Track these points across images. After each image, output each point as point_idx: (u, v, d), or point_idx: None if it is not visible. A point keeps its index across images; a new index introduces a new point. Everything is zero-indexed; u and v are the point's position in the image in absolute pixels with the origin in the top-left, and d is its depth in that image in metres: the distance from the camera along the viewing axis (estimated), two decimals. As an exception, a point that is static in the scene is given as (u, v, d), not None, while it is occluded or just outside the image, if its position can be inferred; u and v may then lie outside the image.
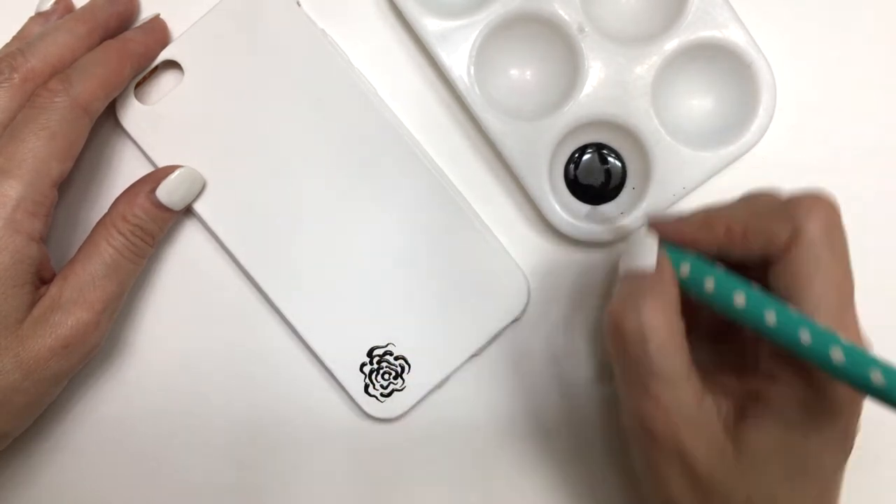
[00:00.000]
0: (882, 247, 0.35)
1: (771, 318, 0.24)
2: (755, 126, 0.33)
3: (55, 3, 0.33)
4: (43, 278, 0.30)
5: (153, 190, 0.31)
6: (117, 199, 0.31)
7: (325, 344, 0.33)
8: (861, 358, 0.22)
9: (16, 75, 0.29)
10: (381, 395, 0.33)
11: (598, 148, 0.34)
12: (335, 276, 0.33)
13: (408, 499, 0.34)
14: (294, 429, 0.34)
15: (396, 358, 0.33)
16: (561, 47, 0.33)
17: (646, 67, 0.33)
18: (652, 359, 0.25)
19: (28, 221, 0.28)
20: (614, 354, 0.27)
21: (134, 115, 0.33)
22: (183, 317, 0.35)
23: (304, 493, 0.34)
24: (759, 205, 0.27)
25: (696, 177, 0.33)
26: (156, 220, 0.31)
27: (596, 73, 0.33)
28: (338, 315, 0.33)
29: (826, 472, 0.25)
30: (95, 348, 0.30)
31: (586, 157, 0.34)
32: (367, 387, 0.33)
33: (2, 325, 0.28)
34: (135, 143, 0.33)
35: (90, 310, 0.29)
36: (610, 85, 0.33)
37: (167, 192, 0.31)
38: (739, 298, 0.25)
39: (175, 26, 0.34)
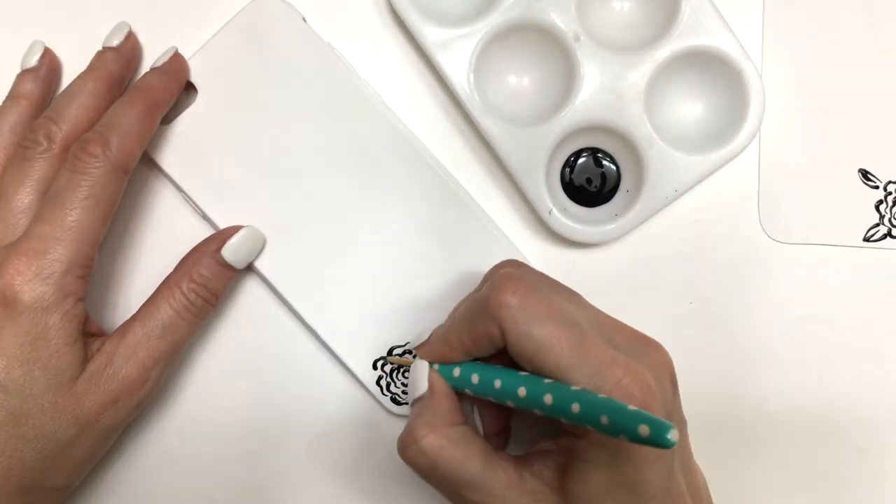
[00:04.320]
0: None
1: (522, 392, 0.27)
2: (745, 131, 0.34)
3: (41, 59, 0.34)
4: (89, 332, 0.31)
5: (218, 249, 0.32)
6: (183, 260, 0.32)
7: (346, 345, 0.34)
8: (591, 407, 0.24)
9: (54, 146, 0.30)
10: (403, 392, 0.34)
11: (594, 152, 0.35)
12: (353, 280, 0.34)
13: (428, 491, 0.34)
14: (315, 427, 0.35)
15: (416, 356, 0.34)
16: (557, 55, 0.34)
17: (639, 74, 0.34)
18: (448, 475, 0.27)
19: (76, 284, 0.29)
20: (425, 481, 0.29)
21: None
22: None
23: (327, 489, 0.35)
24: (470, 312, 0.28)
25: (687, 180, 0.34)
26: (220, 279, 0.32)
27: (591, 79, 0.34)
28: (357, 317, 0.34)
29: (657, 487, 0.26)
30: (145, 401, 0.31)
31: (581, 160, 0.35)
32: (388, 385, 0.34)
33: (58, 383, 0.29)
34: (153, 161, 0.34)
35: (140, 367, 0.30)
36: (604, 91, 0.34)
37: (232, 251, 0.32)
38: (496, 383, 0.28)
39: (186, 46, 0.34)
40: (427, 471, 0.28)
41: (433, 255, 0.34)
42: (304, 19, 0.34)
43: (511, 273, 0.28)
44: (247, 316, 0.35)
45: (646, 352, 0.28)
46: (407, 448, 0.28)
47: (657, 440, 0.22)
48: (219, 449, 0.35)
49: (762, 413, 0.36)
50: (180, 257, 0.33)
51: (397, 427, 0.35)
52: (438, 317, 0.34)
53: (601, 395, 0.24)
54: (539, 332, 0.26)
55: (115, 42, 0.34)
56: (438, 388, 0.29)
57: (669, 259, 0.36)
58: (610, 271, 0.36)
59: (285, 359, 0.35)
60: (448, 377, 0.30)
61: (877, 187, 0.36)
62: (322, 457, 0.35)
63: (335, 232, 0.34)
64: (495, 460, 0.28)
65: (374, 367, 0.34)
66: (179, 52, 0.34)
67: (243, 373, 0.35)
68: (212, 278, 0.32)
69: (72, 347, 0.29)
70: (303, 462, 0.35)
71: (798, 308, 0.36)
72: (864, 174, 0.36)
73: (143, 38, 0.35)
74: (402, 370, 0.34)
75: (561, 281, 0.36)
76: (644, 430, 0.22)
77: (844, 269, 0.36)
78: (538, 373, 0.27)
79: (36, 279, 0.28)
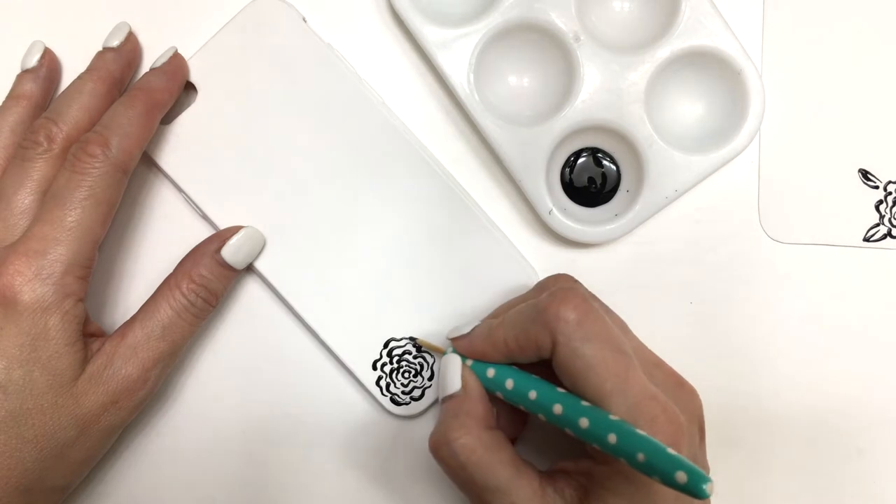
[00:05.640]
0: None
1: (558, 409, 0.27)
2: (744, 131, 0.34)
3: (41, 59, 0.34)
4: (89, 332, 0.31)
5: (218, 250, 0.32)
6: (183, 260, 0.32)
7: (346, 345, 0.34)
8: (629, 439, 0.24)
9: (55, 146, 0.30)
10: (403, 392, 0.34)
11: (594, 152, 0.35)
12: (353, 280, 0.34)
13: (427, 491, 0.35)
14: (315, 427, 0.35)
15: (415, 356, 0.34)
16: (557, 55, 0.34)
17: (639, 74, 0.34)
18: (476, 478, 0.27)
19: (76, 284, 0.29)
20: (451, 479, 0.29)
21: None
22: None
23: (327, 489, 0.35)
24: (523, 316, 0.28)
25: (687, 180, 0.34)
26: (220, 280, 0.32)
27: (591, 79, 0.34)
28: (356, 316, 0.34)
29: None
30: (145, 401, 0.31)
31: (581, 160, 0.35)
32: (388, 385, 0.34)
33: (58, 384, 0.29)
34: (153, 161, 0.34)
35: (140, 367, 0.30)
36: (604, 91, 0.34)
37: (232, 251, 0.32)
38: (532, 394, 0.27)
39: (186, 46, 0.34)
40: (456, 471, 0.28)
41: (433, 255, 0.34)
42: (304, 19, 0.34)
43: (573, 288, 0.28)
44: (247, 316, 0.35)
45: (680, 394, 0.29)
46: (440, 448, 0.28)
47: (693, 490, 0.22)
48: (219, 449, 0.35)
49: (762, 413, 0.36)
50: (180, 257, 0.33)
51: (397, 427, 0.35)
52: (439, 316, 0.34)
53: (640, 432, 0.24)
54: (590, 353, 0.26)
55: (115, 42, 0.34)
56: (473, 389, 0.29)
57: (669, 259, 0.36)
58: (610, 271, 0.36)
59: (285, 359, 0.35)
60: (481, 376, 0.30)
61: (877, 187, 0.36)
62: (321, 457, 0.35)
63: (335, 232, 0.34)
64: (523, 470, 0.28)
65: (374, 368, 0.34)
66: (179, 52, 0.34)
67: (243, 372, 0.35)
68: (212, 279, 0.32)
69: (72, 348, 0.29)
70: (302, 462, 0.35)
71: (798, 308, 0.36)
72: (864, 174, 0.36)
73: (143, 39, 0.35)
74: (401, 370, 0.34)
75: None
76: (681, 476, 0.22)
77: (844, 269, 0.36)
78: (576, 392, 0.27)
79: (36, 280, 0.28)
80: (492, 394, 0.30)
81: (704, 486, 0.22)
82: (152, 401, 0.34)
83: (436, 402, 0.34)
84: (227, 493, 0.35)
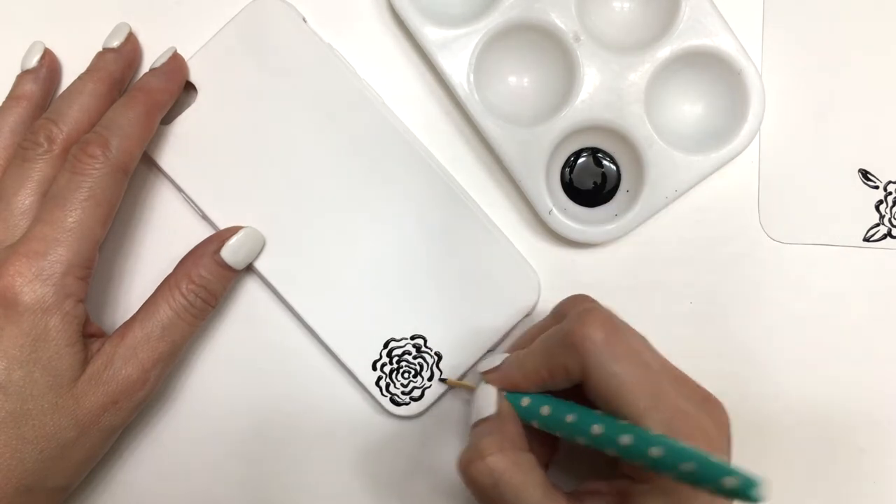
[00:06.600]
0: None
1: (597, 429, 0.26)
2: (744, 131, 0.34)
3: (41, 59, 0.34)
4: (89, 333, 0.31)
5: (218, 250, 0.32)
6: (182, 261, 0.32)
7: (346, 345, 0.34)
8: (673, 452, 0.24)
9: (55, 147, 0.31)
10: (402, 392, 0.34)
11: (594, 152, 0.35)
12: (352, 280, 0.34)
13: (427, 491, 0.35)
14: (315, 427, 0.35)
15: (415, 357, 0.34)
16: (557, 55, 0.34)
17: (639, 74, 0.34)
18: (507, 499, 0.27)
19: (76, 285, 0.29)
20: (478, 499, 0.28)
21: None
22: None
23: (326, 489, 0.35)
24: (550, 343, 0.28)
25: (687, 180, 0.34)
26: (219, 280, 0.32)
27: (591, 79, 0.34)
28: (356, 316, 0.34)
29: None
30: (145, 401, 0.31)
31: (581, 160, 0.35)
32: (388, 386, 0.34)
33: (58, 384, 0.29)
34: (153, 161, 0.34)
35: (140, 368, 0.30)
36: (604, 91, 0.34)
37: (231, 252, 0.32)
38: (569, 418, 0.27)
39: (186, 46, 0.34)
40: (486, 490, 0.27)
41: (433, 255, 0.34)
42: (304, 20, 0.34)
43: (595, 308, 0.28)
44: (247, 316, 0.35)
45: (707, 408, 0.28)
46: (472, 464, 0.28)
47: (744, 493, 0.22)
48: (219, 449, 0.35)
49: (762, 413, 0.36)
50: (180, 257, 0.33)
51: (396, 427, 0.35)
52: (438, 316, 0.34)
53: (683, 443, 0.24)
54: (621, 371, 0.26)
55: (115, 43, 0.34)
56: (507, 413, 0.29)
57: (669, 259, 0.36)
58: (610, 271, 0.36)
59: (285, 359, 0.35)
60: (516, 406, 0.29)
61: (877, 187, 0.36)
62: (321, 457, 0.35)
63: (335, 232, 0.34)
64: (553, 493, 0.27)
65: (374, 368, 0.34)
66: (178, 52, 0.34)
67: (243, 373, 0.35)
68: (211, 279, 0.32)
69: (72, 349, 0.29)
70: (302, 462, 0.35)
71: (798, 308, 0.36)
72: (864, 174, 0.36)
73: (142, 39, 0.35)
74: (401, 370, 0.34)
75: (560, 281, 0.36)
76: (731, 481, 0.22)
77: (844, 269, 0.36)
78: (610, 412, 0.27)
79: (36, 280, 0.28)
80: (527, 424, 0.29)
81: (755, 490, 0.22)
82: (152, 401, 0.34)
83: (435, 402, 0.34)
84: (227, 494, 0.35)
